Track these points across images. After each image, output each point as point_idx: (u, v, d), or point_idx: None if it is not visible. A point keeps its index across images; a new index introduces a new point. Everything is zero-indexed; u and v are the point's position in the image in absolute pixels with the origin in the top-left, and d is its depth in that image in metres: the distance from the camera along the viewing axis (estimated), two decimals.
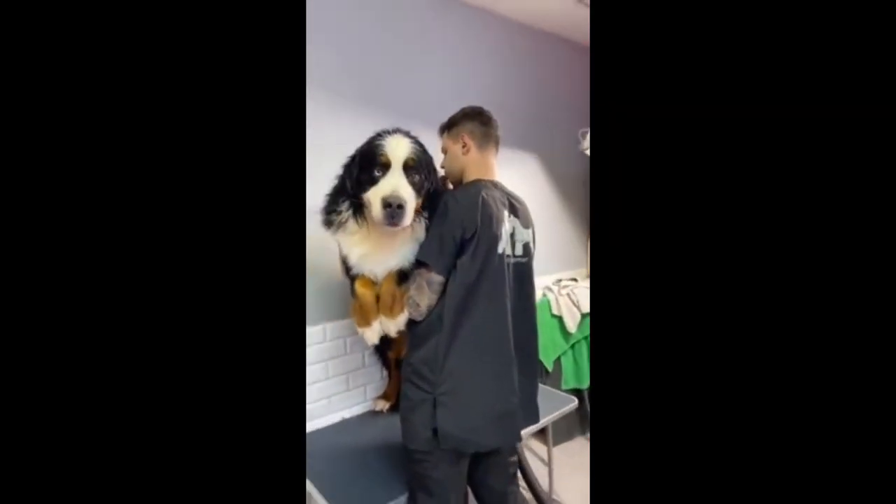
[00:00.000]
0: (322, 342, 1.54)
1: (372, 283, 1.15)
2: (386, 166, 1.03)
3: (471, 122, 1.18)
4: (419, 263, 1.07)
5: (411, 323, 1.13)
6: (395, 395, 1.53)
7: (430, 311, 1.07)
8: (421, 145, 1.09)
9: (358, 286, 1.17)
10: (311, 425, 1.52)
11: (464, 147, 1.16)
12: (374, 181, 1.02)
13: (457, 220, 1.03)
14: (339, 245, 1.15)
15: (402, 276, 1.13)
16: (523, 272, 1.17)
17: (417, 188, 1.05)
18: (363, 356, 1.65)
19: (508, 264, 1.12)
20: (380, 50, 1.67)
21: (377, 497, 1.15)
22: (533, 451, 1.94)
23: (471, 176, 1.17)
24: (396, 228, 1.02)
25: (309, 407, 1.52)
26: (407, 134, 1.09)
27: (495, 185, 1.17)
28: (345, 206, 1.08)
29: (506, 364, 1.09)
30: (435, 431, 1.04)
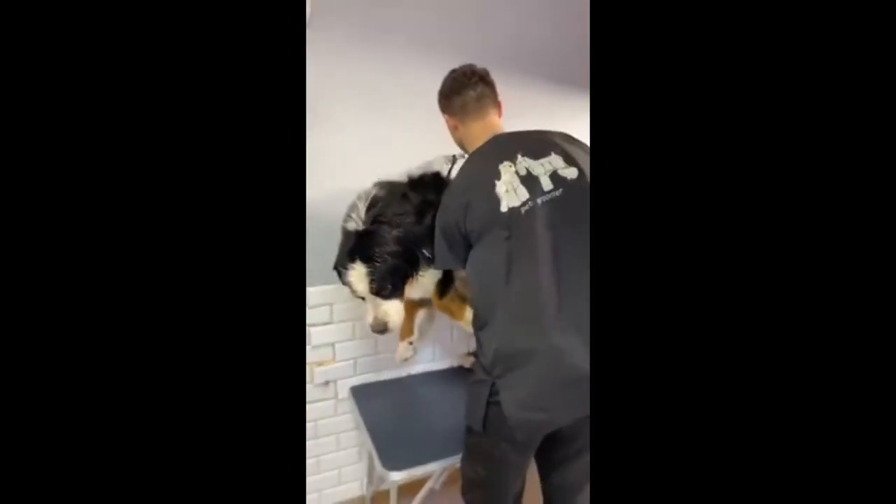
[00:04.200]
0: None
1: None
2: (361, 296, 1.12)
3: (444, 99, 1.14)
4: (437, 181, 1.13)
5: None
6: None
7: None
8: (384, 261, 1.06)
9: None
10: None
11: (451, 127, 1.16)
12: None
13: (451, 213, 1.00)
14: None
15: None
16: (562, 208, 0.93)
17: (395, 290, 1.10)
18: None
19: (528, 213, 0.92)
20: None
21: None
22: None
23: (470, 147, 1.11)
24: None
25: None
26: (364, 258, 1.06)
27: (496, 141, 1.05)
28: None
29: (550, 332, 0.89)
30: (486, 415, 0.96)
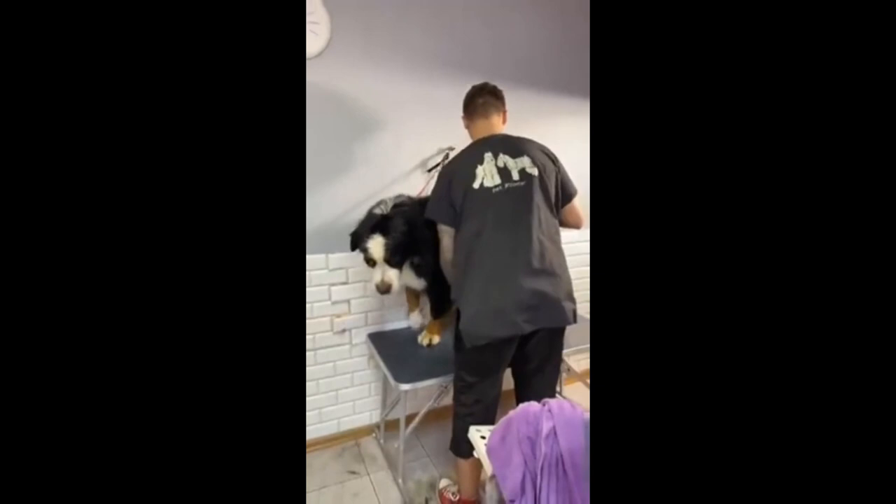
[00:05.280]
0: None
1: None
2: (373, 262, 1.49)
3: (464, 105, 1.53)
4: (432, 222, 1.44)
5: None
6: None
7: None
8: (396, 237, 1.47)
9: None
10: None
11: (465, 126, 1.55)
12: (370, 263, 1.51)
13: (441, 179, 1.43)
14: None
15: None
16: (521, 195, 1.36)
17: (399, 263, 1.51)
18: None
19: (498, 193, 1.35)
20: None
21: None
22: None
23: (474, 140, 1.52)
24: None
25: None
26: (383, 232, 1.46)
27: (488, 138, 1.43)
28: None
29: (486, 275, 1.33)
30: (457, 332, 1.40)
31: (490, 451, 1.04)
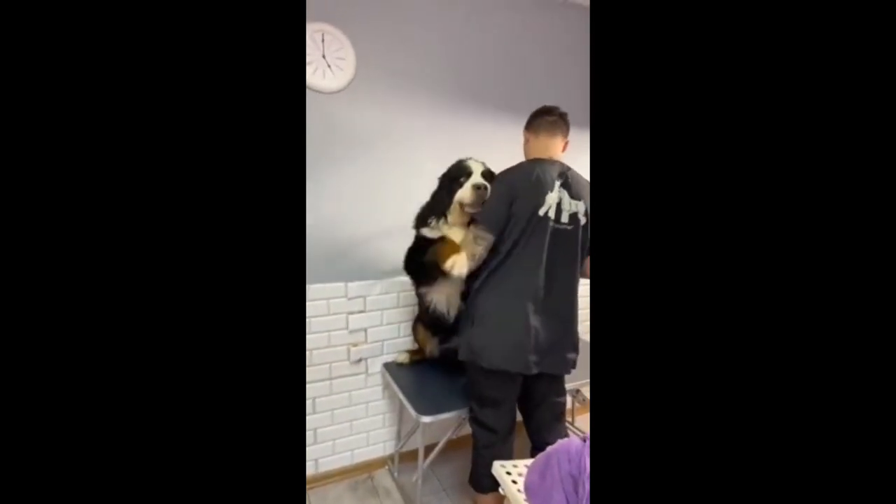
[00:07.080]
0: None
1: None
2: (469, 174, 1.45)
3: (529, 120, 1.50)
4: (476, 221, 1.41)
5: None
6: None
7: (480, 260, 1.37)
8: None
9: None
10: None
11: (525, 140, 1.51)
12: (461, 185, 1.44)
13: (500, 190, 1.37)
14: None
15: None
16: (566, 239, 1.37)
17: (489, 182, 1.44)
18: None
19: (551, 228, 1.34)
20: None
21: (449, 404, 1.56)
22: None
23: (528, 158, 1.49)
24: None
25: None
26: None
27: (552, 161, 1.41)
28: (433, 221, 1.52)
29: (520, 307, 1.35)
30: (469, 347, 1.42)
31: (528, 488, 1.03)
